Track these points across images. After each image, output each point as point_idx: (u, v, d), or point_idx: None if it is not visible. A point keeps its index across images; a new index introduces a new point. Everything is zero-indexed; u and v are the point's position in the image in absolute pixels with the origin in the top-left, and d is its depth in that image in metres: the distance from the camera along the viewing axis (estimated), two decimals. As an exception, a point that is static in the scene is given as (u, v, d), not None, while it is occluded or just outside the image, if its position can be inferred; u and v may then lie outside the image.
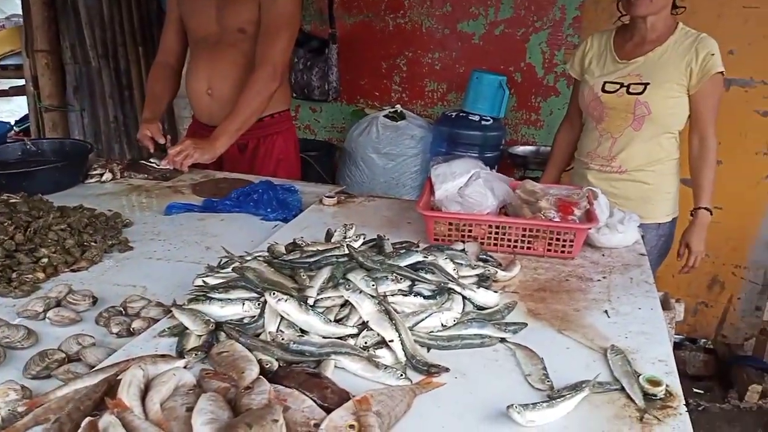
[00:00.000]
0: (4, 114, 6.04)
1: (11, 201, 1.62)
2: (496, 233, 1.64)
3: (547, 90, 3.64)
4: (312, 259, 1.34)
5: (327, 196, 2.01)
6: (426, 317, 1.21)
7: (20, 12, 3.77)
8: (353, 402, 0.95)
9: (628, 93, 2.17)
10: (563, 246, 1.62)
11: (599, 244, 1.69)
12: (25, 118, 4.74)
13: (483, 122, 3.44)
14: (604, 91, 2.22)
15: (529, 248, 1.64)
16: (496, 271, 1.47)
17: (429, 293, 1.28)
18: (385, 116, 3.69)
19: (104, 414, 0.88)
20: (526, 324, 1.27)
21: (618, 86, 2.19)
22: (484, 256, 1.56)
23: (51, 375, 1.09)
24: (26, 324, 1.22)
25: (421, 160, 3.64)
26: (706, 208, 2.19)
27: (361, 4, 3.83)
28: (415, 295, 1.26)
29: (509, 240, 1.64)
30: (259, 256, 1.39)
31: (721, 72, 2.10)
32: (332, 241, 1.57)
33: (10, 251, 1.47)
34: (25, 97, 4.03)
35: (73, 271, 1.51)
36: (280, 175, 2.40)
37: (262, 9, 2.28)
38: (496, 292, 1.36)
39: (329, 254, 1.35)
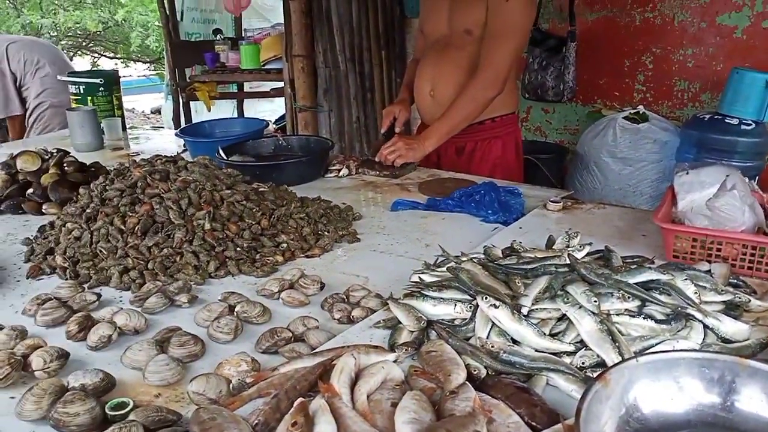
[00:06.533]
0: (267, 113, 6.86)
1: (260, 190, 1.80)
2: (752, 255, 1.40)
3: (832, 89, 3.05)
4: (529, 266, 1.27)
5: (552, 201, 1.91)
6: (656, 344, 1.07)
7: (282, 21, 4.25)
8: (563, 426, 0.88)
9: None
10: (844, 277, 1.33)
11: None
12: (282, 117, 5.36)
13: (743, 126, 3.01)
14: None
15: (795, 276, 1.37)
16: (749, 300, 1.25)
17: (662, 317, 1.13)
18: (625, 118, 3.42)
19: (316, 397, 0.92)
20: (785, 367, 1.06)
21: None
22: (735, 281, 1.34)
23: (278, 351, 1.16)
24: (262, 302, 1.34)
25: (663, 167, 3.32)
26: None
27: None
28: (644, 318, 1.12)
29: (769, 264, 1.39)
30: (474, 257, 1.36)
31: None
32: (553, 248, 1.48)
33: (256, 235, 1.63)
34: (283, 98, 4.53)
35: (306, 257, 1.63)
36: (496, 179, 2.34)
37: (489, 12, 2.24)
38: (747, 323, 1.16)
39: (548, 263, 1.27)
